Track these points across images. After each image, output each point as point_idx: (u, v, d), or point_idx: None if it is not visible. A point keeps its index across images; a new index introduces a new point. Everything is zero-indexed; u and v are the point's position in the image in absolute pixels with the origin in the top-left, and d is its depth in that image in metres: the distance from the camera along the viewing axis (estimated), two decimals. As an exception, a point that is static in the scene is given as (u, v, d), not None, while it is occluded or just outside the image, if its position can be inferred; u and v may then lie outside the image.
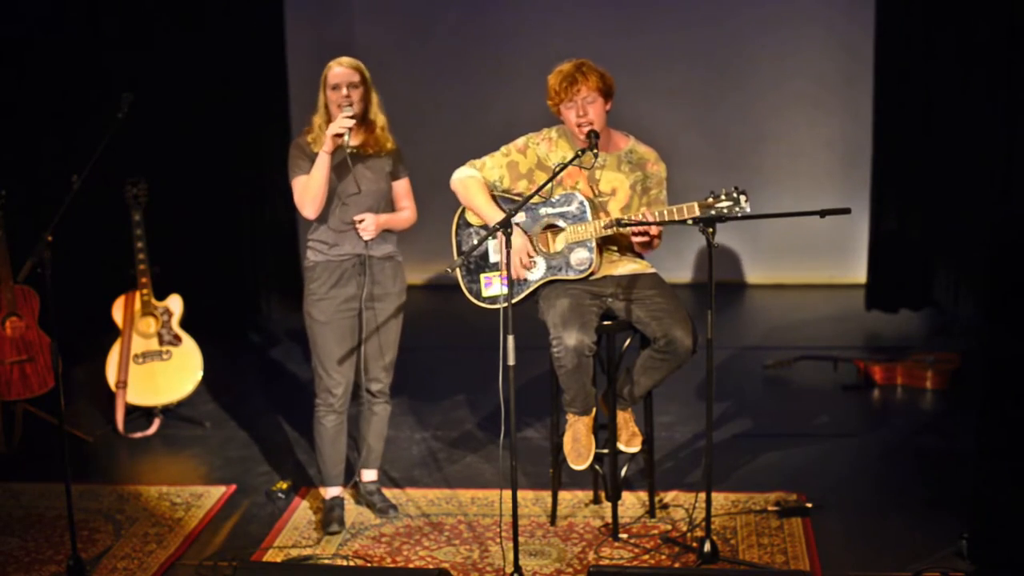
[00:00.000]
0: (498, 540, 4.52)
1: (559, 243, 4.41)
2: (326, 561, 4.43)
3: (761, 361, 6.41)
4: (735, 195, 4.11)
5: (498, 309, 4.23)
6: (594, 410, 4.49)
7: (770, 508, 4.70)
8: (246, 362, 6.86)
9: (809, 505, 4.67)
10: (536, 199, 4.34)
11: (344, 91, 4.40)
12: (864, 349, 6.71)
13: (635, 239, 4.29)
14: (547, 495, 4.76)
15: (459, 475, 5.18)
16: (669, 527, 4.59)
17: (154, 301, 5.79)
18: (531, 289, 4.43)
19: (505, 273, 4.21)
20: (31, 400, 5.59)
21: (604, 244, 4.45)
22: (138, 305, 5.77)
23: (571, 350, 4.21)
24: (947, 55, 6.71)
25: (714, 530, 4.40)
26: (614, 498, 4.57)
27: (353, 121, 4.36)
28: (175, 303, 5.84)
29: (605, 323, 4.39)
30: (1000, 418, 4.11)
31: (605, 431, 4.58)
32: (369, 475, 4.85)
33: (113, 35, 6.80)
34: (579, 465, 4.47)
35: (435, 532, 4.64)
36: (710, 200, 4.13)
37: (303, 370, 6.42)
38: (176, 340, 5.83)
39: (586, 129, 4.26)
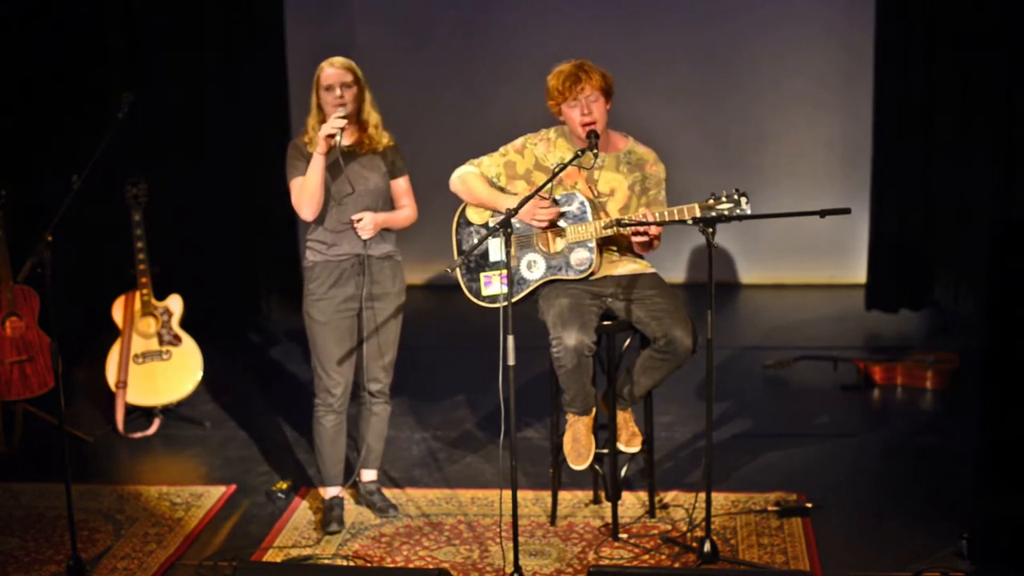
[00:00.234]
0: (498, 540, 4.52)
1: (559, 243, 4.41)
2: (326, 561, 4.43)
3: (761, 361, 6.41)
4: (736, 197, 4.11)
5: (498, 309, 4.23)
6: (594, 410, 4.49)
7: (770, 508, 4.70)
8: (246, 362, 6.86)
9: (809, 505, 4.67)
10: (536, 199, 4.34)
11: (338, 92, 4.39)
12: (864, 349, 6.70)
13: (635, 239, 4.28)
14: (547, 495, 4.76)
15: (459, 475, 5.18)
16: (669, 527, 4.59)
17: (154, 301, 5.79)
18: (531, 288, 4.44)
19: (505, 272, 4.21)
20: (31, 400, 5.59)
21: (604, 244, 4.45)
22: (138, 305, 5.76)
23: (571, 350, 4.21)
24: (947, 55, 6.70)
25: (714, 530, 4.40)
26: (614, 498, 4.56)
27: (344, 122, 4.36)
28: (175, 303, 5.84)
29: (605, 323, 4.39)
30: (1000, 418, 4.11)
31: (605, 431, 4.58)
32: (369, 475, 4.85)
33: (114, 35, 6.80)
34: (579, 465, 4.47)
35: (435, 532, 4.64)
36: (711, 202, 4.13)
37: (303, 370, 6.42)
38: (176, 340, 5.83)
39: (589, 128, 4.26)
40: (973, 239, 6.57)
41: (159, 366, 5.80)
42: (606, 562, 4.35)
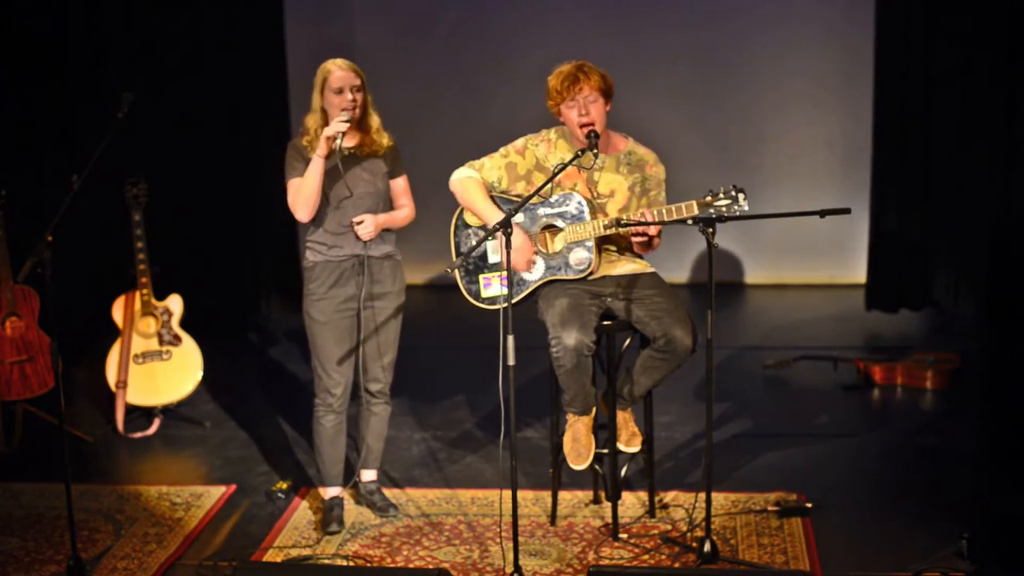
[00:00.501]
0: (498, 540, 4.52)
1: (558, 243, 4.41)
2: (326, 561, 4.43)
3: (761, 361, 6.41)
4: (733, 193, 4.12)
5: (498, 309, 4.23)
6: (594, 410, 4.49)
7: (770, 508, 4.70)
8: (246, 362, 6.86)
9: (809, 505, 4.67)
10: (535, 199, 4.34)
11: (349, 95, 4.38)
12: (864, 349, 6.70)
13: (634, 239, 4.28)
14: (547, 495, 4.76)
15: (459, 475, 5.18)
16: (669, 527, 4.59)
17: (154, 301, 5.79)
18: (530, 289, 4.43)
19: (505, 273, 4.21)
20: (31, 400, 5.59)
21: (603, 244, 4.45)
22: (138, 305, 5.77)
23: (570, 350, 4.21)
24: (947, 55, 6.70)
25: (714, 530, 4.40)
26: (614, 498, 4.56)
27: (348, 124, 4.35)
28: (175, 303, 5.84)
29: (605, 323, 4.39)
30: (1000, 418, 4.11)
31: (605, 431, 4.58)
32: (369, 475, 4.85)
33: (113, 35, 6.80)
34: (579, 465, 4.47)
35: (435, 532, 4.64)
36: (708, 198, 4.13)
37: (303, 370, 6.42)
38: (176, 340, 5.83)
39: (587, 129, 4.26)
40: (973, 239, 6.57)
41: (159, 366, 5.80)
42: (606, 562, 4.35)
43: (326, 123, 4.41)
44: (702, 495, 4.33)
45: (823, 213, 4.09)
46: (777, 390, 6.17)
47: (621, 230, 4.27)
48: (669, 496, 4.83)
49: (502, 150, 4.48)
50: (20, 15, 6.38)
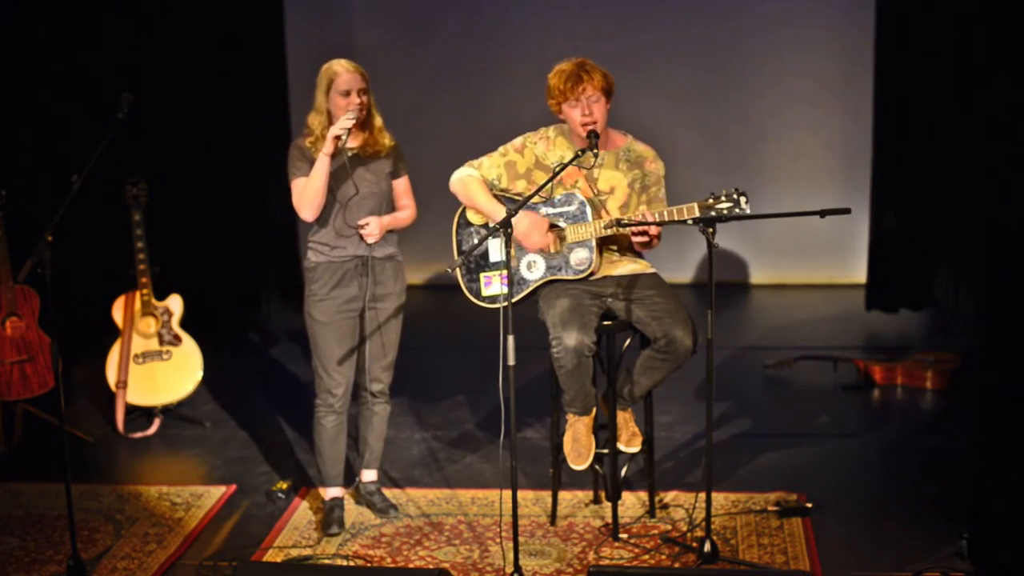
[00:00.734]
0: (498, 540, 4.52)
1: (559, 243, 4.41)
2: (326, 561, 4.43)
3: (761, 361, 6.41)
4: (735, 196, 4.11)
5: (498, 309, 4.23)
6: (594, 410, 4.49)
7: (770, 508, 4.70)
8: (246, 362, 6.86)
9: (809, 505, 4.67)
10: (536, 199, 4.34)
11: (356, 98, 4.39)
12: (864, 349, 6.70)
13: (635, 239, 4.28)
14: (547, 495, 4.76)
15: (459, 475, 5.18)
16: (669, 527, 4.59)
17: (154, 301, 5.79)
18: (531, 289, 4.44)
19: (506, 272, 4.21)
20: (31, 400, 5.59)
21: (604, 244, 4.45)
22: (138, 305, 5.77)
23: (571, 350, 4.21)
24: (947, 55, 6.70)
25: (714, 530, 4.40)
26: (614, 498, 4.56)
27: (353, 123, 4.36)
28: (175, 303, 5.84)
29: (605, 323, 4.39)
30: (1000, 418, 4.11)
31: (605, 431, 4.58)
32: (369, 475, 4.85)
33: (113, 34, 6.80)
34: (579, 465, 4.47)
35: (435, 532, 4.64)
36: (710, 201, 4.13)
37: (303, 370, 6.42)
38: (176, 340, 5.83)
39: (589, 128, 4.26)
40: (973, 239, 6.57)
41: (159, 366, 5.80)
42: (606, 562, 4.35)
43: (330, 123, 4.42)
44: (702, 495, 4.33)
45: (823, 213, 4.08)
46: (777, 390, 6.17)
47: (622, 230, 4.27)
48: (669, 496, 4.83)
49: (501, 149, 4.48)
50: (20, 15, 6.38)
